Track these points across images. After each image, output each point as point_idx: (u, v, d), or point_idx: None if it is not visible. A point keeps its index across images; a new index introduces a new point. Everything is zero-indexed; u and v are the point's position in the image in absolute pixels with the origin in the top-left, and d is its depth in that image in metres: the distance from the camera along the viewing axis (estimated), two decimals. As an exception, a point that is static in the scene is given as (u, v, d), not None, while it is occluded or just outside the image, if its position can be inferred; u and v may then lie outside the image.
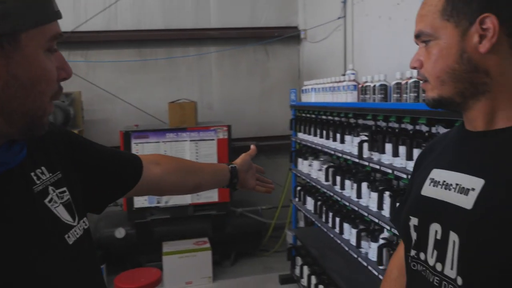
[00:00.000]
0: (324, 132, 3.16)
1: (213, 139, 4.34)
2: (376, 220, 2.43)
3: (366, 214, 2.56)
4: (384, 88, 2.39)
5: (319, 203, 3.35)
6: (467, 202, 0.86)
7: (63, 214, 0.87)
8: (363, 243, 2.68)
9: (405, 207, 1.05)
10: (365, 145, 2.48)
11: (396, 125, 2.33)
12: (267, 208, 4.99)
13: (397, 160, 2.20)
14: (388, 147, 2.25)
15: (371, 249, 2.58)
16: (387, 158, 2.30)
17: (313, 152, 3.68)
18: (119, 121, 4.85)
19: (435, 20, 0.90)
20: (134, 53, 5.05)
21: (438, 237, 0.91)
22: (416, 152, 2.06)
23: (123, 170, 1.15)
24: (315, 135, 3.38)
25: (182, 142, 4.28)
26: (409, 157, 2.07)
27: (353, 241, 2.76)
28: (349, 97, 2.79)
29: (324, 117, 3.35)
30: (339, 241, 2.98)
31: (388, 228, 2.29)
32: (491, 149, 0.89)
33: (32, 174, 0.85)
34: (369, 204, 2.58)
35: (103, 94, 4.92)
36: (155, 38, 4.98)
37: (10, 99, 0.72)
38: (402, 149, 2.15)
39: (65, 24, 4.98)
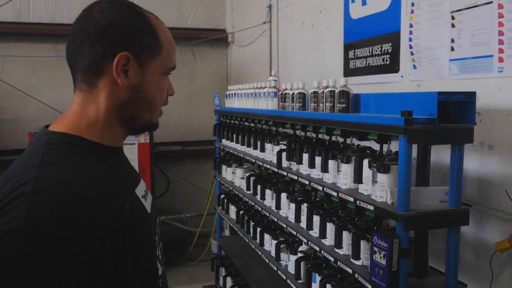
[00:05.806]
0: (246, 140, 3.06)
1: (133, 143, 4.10)
2: (294, 233, 2.35)
3: (285, 225, 2.48)
4: (302, 96, 2.31)
5: (241, 212, 3.24)
6: (148, 206, 1.02)
7: None
8: (283, 255, 2.60)
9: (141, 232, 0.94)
10: (284, 155, 2.40)
11: (313, 135, 2.26)
12: (192, 216, 4.82)
13: (313, 171, 2.14)
14: (306, 157, 2.17)
15: (290, 262, 2.50)
16: (304, 168, 2.23)
17: (238, 159, 3.57)
18: (30, 121, 4.46)
19: None
20: (50, 48, 4.67)
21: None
22: (331, 164, 2.00)
23: None
24: (237, 142, 3.26)
25: (100, 147, 4.01)
26: (324, 168, 2.01)
27: (273, 253, 2.67)
28: (269, 104, 2.70)
29: (246, 123, 3.24)
30: (259, 252, 2.88)
31: (305, 241, 2.22)
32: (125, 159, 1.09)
33: None
34: (289, 215, 2.50)
35: (13, 92, 4.52)
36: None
37: None
38: (318, 160, 2.08)
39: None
